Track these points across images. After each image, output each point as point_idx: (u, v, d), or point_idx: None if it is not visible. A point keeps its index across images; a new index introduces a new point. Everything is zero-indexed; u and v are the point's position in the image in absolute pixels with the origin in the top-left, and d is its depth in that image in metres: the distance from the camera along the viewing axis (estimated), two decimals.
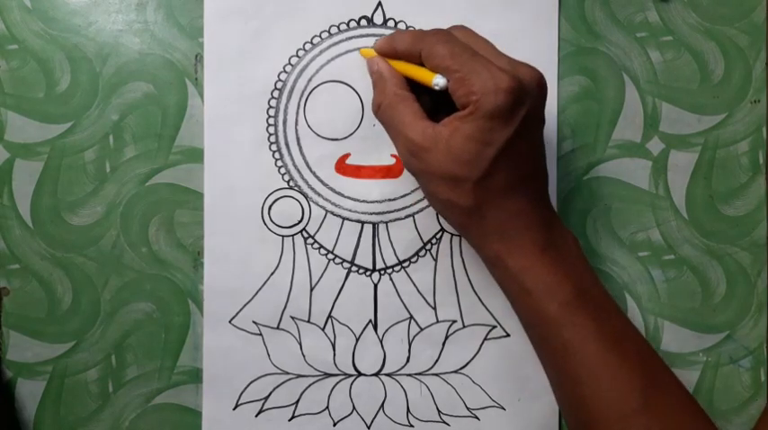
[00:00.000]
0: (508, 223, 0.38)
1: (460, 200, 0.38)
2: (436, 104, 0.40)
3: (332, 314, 0.46)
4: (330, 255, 0.46)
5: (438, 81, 0.37)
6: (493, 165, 0.36)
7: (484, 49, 0.38)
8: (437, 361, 0.46)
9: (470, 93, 0.36)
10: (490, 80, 0.35)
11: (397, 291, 0.46)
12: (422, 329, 0.46)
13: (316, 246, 0.46)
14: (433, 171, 0.37)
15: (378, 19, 0.46)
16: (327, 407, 0.46)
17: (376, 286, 0.46)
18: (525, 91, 0.36)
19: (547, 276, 0.38)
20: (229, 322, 0.45)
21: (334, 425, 0.46)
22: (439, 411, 0.46)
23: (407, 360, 0.46)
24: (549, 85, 0.38)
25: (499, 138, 0.36)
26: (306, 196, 0.46)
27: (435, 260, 0.46)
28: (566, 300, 0.38)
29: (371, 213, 0.46)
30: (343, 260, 0.46)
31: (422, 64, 0.39)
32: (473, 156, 0.36)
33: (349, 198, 0.46)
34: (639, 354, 0.38)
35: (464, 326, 0.46)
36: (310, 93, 0.45)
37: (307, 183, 0.46)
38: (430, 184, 0.38)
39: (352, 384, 0.46)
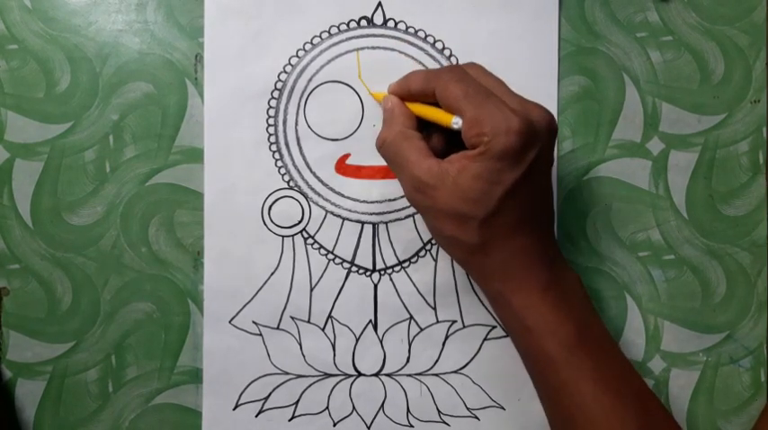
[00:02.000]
0: (512, 261, 0.38)
1: (465, 237, 0.38)
2: (445, 144, 0.41)
3: (332, 314, 0.46)
4: (330, 256, 0.46)
5: (457, 121, 0.37)
6: (500, 204, 0.37)
7: (496, 88, 0.38)
8: (437, 361, 0.46)
9: (482, 134, 0.36)
10: (502, 121, 0.36)
11: (397, 291, 0.46)
12: (422, 329, 0.46)
13: (316, 246, 0.46)
14: (440, 208, 0.37)
15: (378, 19, 0.46)
16: (327, 408, 0.46)
17: (376, 286, 0.46)
18: (536, 133, 0.36)
19: (548, 315, 0.38)
20: (229, 322, 0.45)
21: (334, 425, 0.46)
22: (439, 411, 0.46)
23: (407, 360, 0.46)
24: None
25: (508, 179, 0.36)
26: (306, 196, 0.46)
27: (435, 260, 0.46)
28: (566, 339, 0.38)
29: (371, 213, 0.46)
30: (343, 260, 0.46)
31: (435, 103, 0.39)
32: (480, 195, 0.36)
33: (349, 198, 0.46)
34: (636, 397, 0.39)
35: (464, 327, 0.46)
36: (310, 93, 0.45)
37: (307, 183, 0.46)
38: (435, 221, 0.38)
39: (352, 384, 0.46)
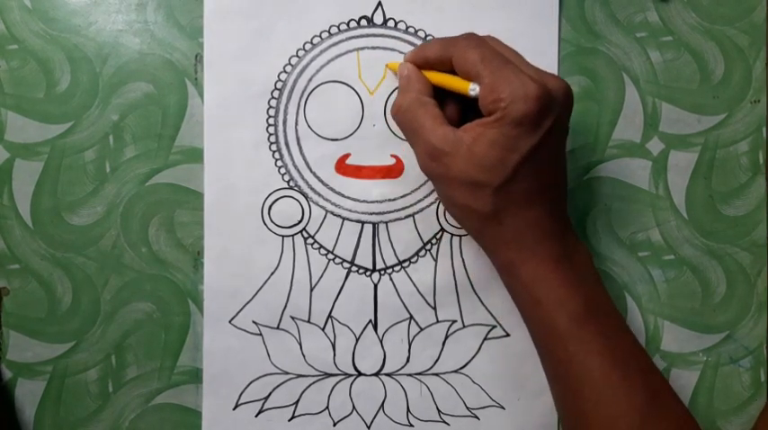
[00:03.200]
0: (525, 232, 0.38)
1: (479, 205, 0.38)
2: (461, 113, 0.40)
3: (332, 314, 0.46)
4: (330, 255, 0.46)
5: (474, 87, 0.37)
6: (515, 172, 0.37)
7: (512, 57, 0.38)
8: (437, 361, 0.46)
9: (499, 99, 0.36)
10: (520, 87, 0.36)
11: (397, 291, 0.46)
12: (422, 329, 0.46)
13: (316, 246, 0.46)
14: (454, 175, 0.37)
15: (378, 19, 0.46)
16: (327, 407, 0.46)
17: (376, 286, 0.46)
18: (553, 101, 0.36)
19: (558, 288, 0.38)
20: (229, 322, 0.45)
21: (334, 425, 0.46)
22: (439, 411, 0.46)
23: (407, 360, 0.46)
24: (573, 100, 0.38)
25: (524, 146, 0.36)
26: (306, 196, 0.46)
27: (435, 260, 0.46)
28: (575, 313, 0.38)
29: (371, 213, 0.46)
30: (343, 260, 0.46)
31: (452, 71, 0.39)
32: (496, 162, 0.36)
33: (349, 198, 0.46)
34: (642, 373, 0.39)
35: (464, 326, 0.46)
36: (310, 93, 0.45)
37: (307, 183, 0.46)
38: (448, 189, 0.38)
39: (352, 384, 0.46)
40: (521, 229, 0.38)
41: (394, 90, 0.45)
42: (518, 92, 0.36)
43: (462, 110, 0.41)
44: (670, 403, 0.39)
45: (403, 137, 0.45)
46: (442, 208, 0.46)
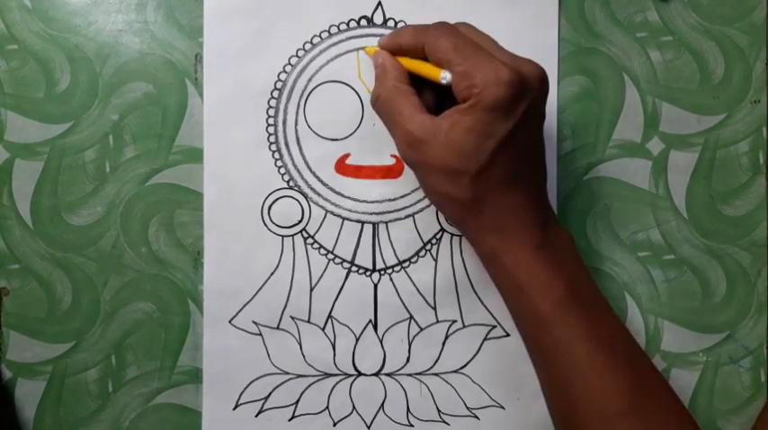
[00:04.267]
0: (505, 218, 0.38)
1: (458, 193, 0.38)
2: (439, 100, 0.40)
3: (332, 314, 0.46)
4: (330, 255, 0.46)
5: (445, 75, 0.37)
6: (492, 158, 0.37)
7: (485, 43, 0.38)
8: (437, 361, 0.46)
9: (472, 86, 0.36)
10: (492, 73, 0.36)
11: (397, 291, 0.46)
12: (422, 329, 0.46)
13: (316, 246, 0.46)
14: (432, 163, 0.37)
15: (378, 19, 0.46)
16: (327, 407, 0.46)
17: (376, 286, 0.46)
18: (527, 85, 0.36)
19: (540, 273, 0.38)
20: (229, 322, 0.45)
21: (334, 425, 0.46)
22: (439, 411, 0.46)
23: (407, 360, 0.46)
24: (548, 85, 0.38)
25: (499, 131, 0.36)
26: (306, 196, 0.46)
27: (435, 260, 0.46)
28: (558, 298, 0.38)
29: (371, 213, 0.46)
30: (343, 260, 0.46)
31: (425, 58, 0.39)
32: (472, 149, 0.36)
33: (349, 198, 0.46)
34: (628, 356, 0.38)
35: (464, 326, 0.46)
36: (310, 93, 0.45)
37: (307, 183, 0.46)
38: (428, 177, 0.38)
39: (352, 384, 0.46)
40: (501, 216, 0.38)
41: None
42: (490, 77, 0.36)
43: (439, 96, 0.41)
44: (658, 385, 0.39)
45: None
46: None
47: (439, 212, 0.46)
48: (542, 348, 0.39)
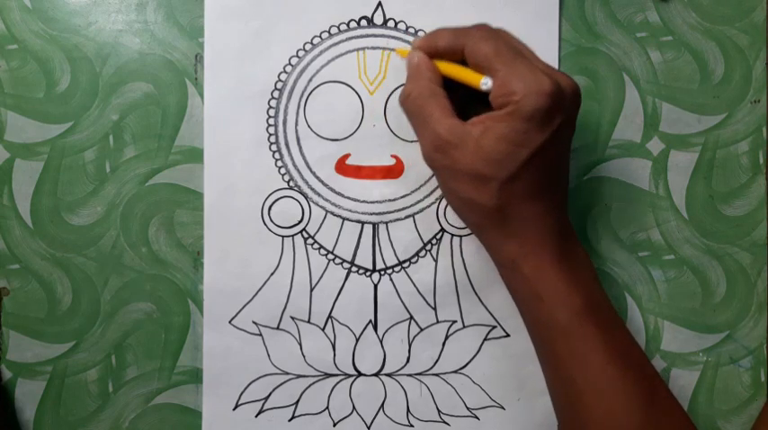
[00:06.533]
0: (527, 227, 0.38)
1: (483, 199, 0.37)
2: (466, 104, 0.40)
3: (332, 314, 0.46)
4: (330, 256, 0.46)
5: (486, 81, 0.37)
6: (522, 167, 0.36)
7: (524, 51, 0.38)
8: (437, 361, 0.46)
9: (511, 93, 0.36)
10: (534, 82, 0.35)
11: (397, 291, 0.46)
12: (422, 329, 0.46)
13: (316, 246, 0.46)
14: (459, 168, 0.37)
15: (378, 19, 0.46)
16: (327, 408, 0.46)
17: (376, 286, 0.46)
18: (564, 97, 0.36)
19: (560, 284, 0.38)
20: (229, 322, 0.45)
21: (334, 425, 0.46)
22: (439, 411, 0.46)
23: (407, 360, 0.46)
24: (581, 100, 0.38)
25: (534, 141, 0.36)
26: (306, 196, 0.46)
27: (435, 260, 0.46)
28: (576, 309, 0.38)
29: (371, 213, 0.46)
30: (344, 260, 0.46)
31: (462, 61, 0.39)
32: (504, 157, 0.36)
33: (349, 198, 0.46)
34: (642, 372, 0.39)
35: (464, 327, 0.46)
36: (310, 93, 0.45)
37: (307, 183, 0.46)
38: (452, 181, 0.38)
39: (352, 384, 0.46)
40: (524, 225, 0.38)
41: (394, 90, 0.45)
42: (531, 86, 0.35)
43: (467, 102, 0.40)
44: (670, 402, 0.39)
45: (403, 137, 0.45)
46: (442, 208, 0.46)
47: (439, 213, 0.46)
48: (557, 358, 0.39)
